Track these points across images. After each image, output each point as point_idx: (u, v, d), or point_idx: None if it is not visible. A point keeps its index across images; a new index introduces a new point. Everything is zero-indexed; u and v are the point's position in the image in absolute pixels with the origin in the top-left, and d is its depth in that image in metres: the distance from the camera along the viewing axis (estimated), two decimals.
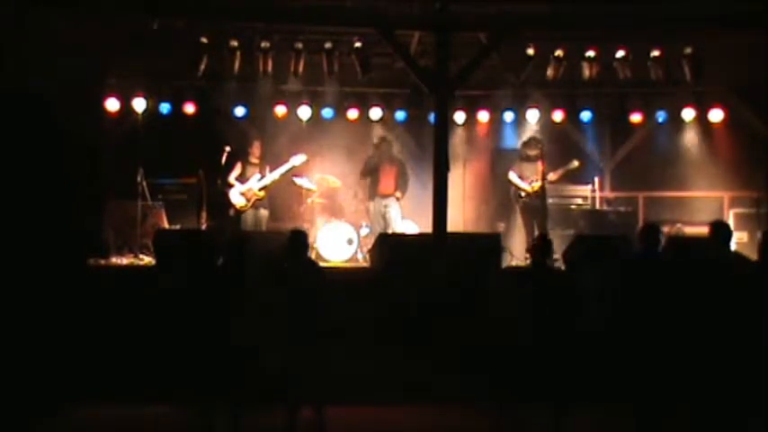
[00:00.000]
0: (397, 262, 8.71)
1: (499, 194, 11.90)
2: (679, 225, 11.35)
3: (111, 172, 11.11)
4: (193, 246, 8.71)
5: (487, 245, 8.95)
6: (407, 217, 11.19)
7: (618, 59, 10.83)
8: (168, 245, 8.89)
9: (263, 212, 10.95)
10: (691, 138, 12.40)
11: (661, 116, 12.16)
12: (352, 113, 12.16)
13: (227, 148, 10.79)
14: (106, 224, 10.61)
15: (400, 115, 12.31)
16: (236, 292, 6.80)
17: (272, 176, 10.82)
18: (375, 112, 12.12)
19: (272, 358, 6.61)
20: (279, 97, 11.86)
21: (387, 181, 11.09)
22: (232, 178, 10.85)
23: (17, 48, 8.41)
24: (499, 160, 12.24)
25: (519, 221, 10.91)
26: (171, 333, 7.53)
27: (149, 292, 8.06)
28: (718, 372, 6.03)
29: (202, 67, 10.67)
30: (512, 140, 12.49)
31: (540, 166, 10.64)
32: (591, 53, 10.79)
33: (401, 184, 11.13)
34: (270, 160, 11.03)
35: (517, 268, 9.49)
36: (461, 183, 11.50)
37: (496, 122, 12.46)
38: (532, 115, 12.18)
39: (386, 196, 11.05)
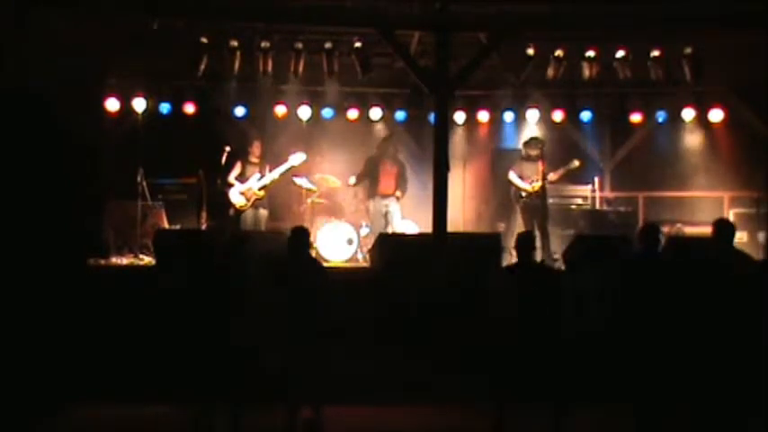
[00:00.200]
0: (397, 262, 8.70)
1: (499, 194, 11.89)
2: (679, 225, 11.35)
3: (111, 172, 11.11)
4: (193, 246, 8.71)
5: (487, 245, 8.94)
6: (407, 217, 11.18)
7: (618, 59, 10.83)
8: (168, 245, 8.88)
9: (263, 212, 10.95)
10: (691, 138, 12.41)
11: (661, 116, 12.17)
12: (352, 113, 12.17)
13: (227, 148, 10.79)
14: (106, 224, 10.61)
15: (400, 115, 12.32)
16: (236, 292, 6.80)
17: (271, 176, 10.82)
18: (375, 112, 12.12)
19: (271, 358, 6.62)
20: (279, 97, 11.88)
21: (387, 181, 11.08)
22: (232, 178, 10.84)
23: (17, 48, 8.41)
24: (499, 160, 12.24)
25: (519, 221, 10.90)
26: (171, 333, 7.52)
27: (149, 292, 8.05)
28: (718, 372, 6.03)
29: (202, 67, 10.68)
30: (512, 140, 12.50)
31: (540, 165, 10.63)
32: (591, 53, 10.80)
33: (401, 183, 11.13)
34: (270, 160, 11.02)
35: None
36: (461, 183, 11.50)
37: (496, 122, 12.47)
38: (532, 115, 12.19)
39: (386, 196, 11.04)
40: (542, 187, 10.60)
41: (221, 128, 11.72)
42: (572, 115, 12.20)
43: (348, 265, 10.39)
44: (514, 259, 10.18)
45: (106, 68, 11.30)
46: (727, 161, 12.06)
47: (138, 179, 10.71)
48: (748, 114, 11.90)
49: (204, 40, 10.48)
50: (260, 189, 10.84)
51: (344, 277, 9.20)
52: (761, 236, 11.16)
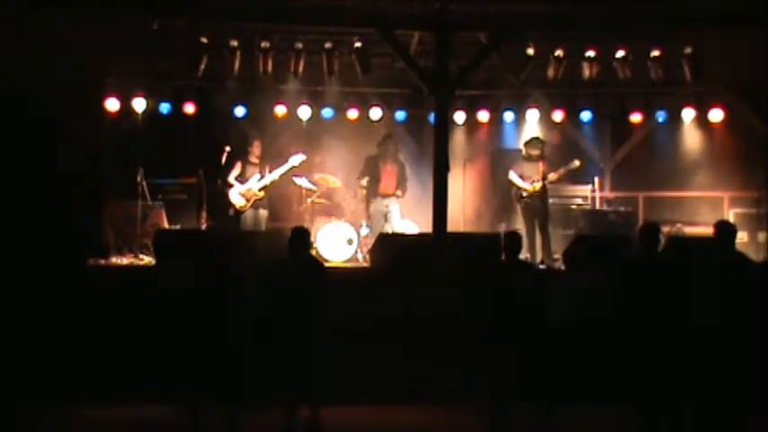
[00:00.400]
0: (397, 262, 8.71)
1: (499, 194, 11.89)
2: (679, 225, 11.35)
3: (111, 172, 11.10)
4: (193, 246, 8.71)
5: (488, 245, 8.94)
6: (407, 217, 11.18)
7: (618, 59, 10.83)
8: (168, 245, 8.88)
9: (263, 212, 10.94)
10: (691, 138, 12.40)
11: (661, 116, 12.17)
12: (352, 113, 12.17)
13: (227, 148, 10.79)
14: (106, 224, 10.60)
15: (400, 115, 12.31)
16: (236, 292, 6.81)
17: (271, 176, 10.81)
18: (375, 112, 12.12)
19: (271, 358, 6.62)
20: (279, 97, 11.87)
21: (388, 181, 11.07)
22: (232, 178, 10.84)
23: (17, 48, 8.41)
24: (499, 160, 12.23)
25: (519, 221, 10.91)
26: (171, 333, 7.53)
27: (149, 292, 8.05)
28: (718, 372, 6.03)
29: (202, 67, 10.67)
30: (512, 140, 12.50)
31: (541, 166, 10.63)
32: (591, 53, 10.79)
33: (402, 183, 11.12)
34: (270, 160, 11.03)
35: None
36: (461, 183, 11.51)
37: (496, 122, 12.46)
38: (532, 115, 12.19)
39: (387, 196, 11.04)
40: (543, 187, 10.60)
41: (221, 128, 11.72)
42: (572, 115, 12.20)
43: (348, 265, 10.38)
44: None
45: (106, 68, 11.29)
46: (727, 161, 12.05)
47: (138, 179, 10.69)
48: (748, 114, 11.89)
49: (204, 40, 10.48)
50: (260, 190, 10.83)
51: (344, 277, 9.21)
52: (761, 236, 11.17)
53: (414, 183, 11.40)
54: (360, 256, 10.64)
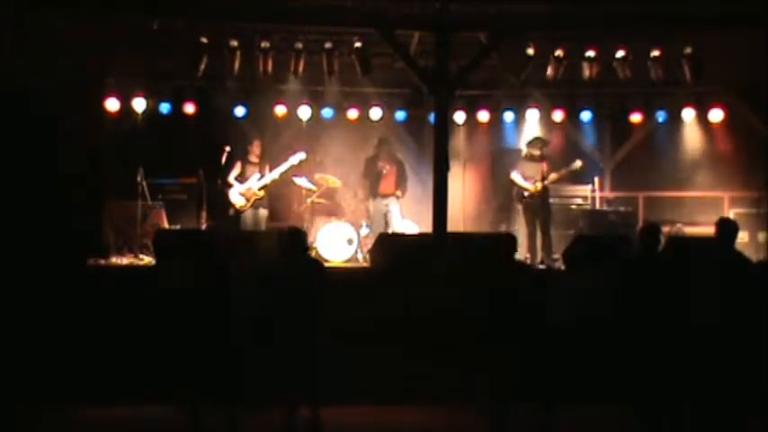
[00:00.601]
0: (397, 262, 8.71)
1: (499, 194, 11.90)
2: (679, 225, 11.35)
3: (111, 172, 11.10)
4: (193, 246, 8.71)
5: (488, 245, 8.93)
6: (407, 217, 11.19)
7: (618, 59, 10.82)
8: (168, 245, 8.88)
9: (263, 212, 10.95)
10: (691, 138, 12.40)
11: (661, 116, 12.17)
12: (352, 113, 12.16)
13: (227, 148, 10.79)
14: (106, 224, 10.60)
15: (400, 115, 12.31)
16: (236, 292, 6.80)
17: (271, 176, 10.82)
18: (375, 112, 12.11)
19: (270, 358, 6.61)
20: (279, 97, 11.87)
21: (387, 181, 11.08)
22: (232, 178, 10.84)
23: (17, 48, 8.41)
24: (499, 160, 12.24)
25: (519, 221, 10.91)
26: (171, 333, 7.52)
27: (149, 292, 8.05)
28: (718, 371, 6.03)
29: (202, 67, 10.67)
30: (512, 140, 12.50)
31: (543, 166, 10.63)
32: (591, 53, 10.79)
33: (401, 183, 11.13)
34: (270, 160, 11.03)
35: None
36: (461, 183, 11.51)
37: (496, 122, 12.46)
38: (532, 115, 12.19)
39: (386, 196, 11.05)
40: (544, 188, 10.59)
41: (221, 128, 11.72)
42: (572, 115, 12.19)
43: (348, 265, 10.39)
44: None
45: (106, 68, 11.29)
46: (727, 161, 12.05)
47: (138, 179, 10.69)
48: (748, 114, 11.89)
49: (204, 40, 10.48)
50: (260, 189, 10.84)
51: (344, 277, 9.21)
52: (761, 236, 11.17)
53: (414, 183, 11.41)
54: (360, 256, 10.64)
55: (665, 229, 10.48)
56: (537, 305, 6.59)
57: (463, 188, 11.52)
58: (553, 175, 10.63)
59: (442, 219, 8.70)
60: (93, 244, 9.80)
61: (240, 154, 10.98)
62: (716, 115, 11.98)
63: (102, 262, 9.75)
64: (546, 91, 11.97)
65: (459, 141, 12.20)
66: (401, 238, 10.07)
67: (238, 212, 10.84)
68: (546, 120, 12.22)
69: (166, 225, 10.80)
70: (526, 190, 10.62)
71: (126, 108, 11.59)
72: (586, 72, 10.94)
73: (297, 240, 6.88)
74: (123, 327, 8.03)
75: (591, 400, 7.40)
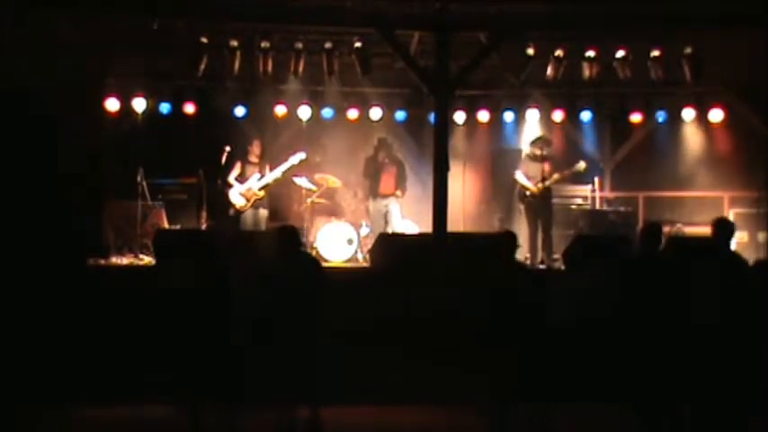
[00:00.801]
0: (397, 262, 8.70)
1: (499, 194, 11.89)
2: (679, 225, 11.35)
3: (111, 172, 11.10)
4: (193, 246, 8.71)
5: (488, 245, 8.93)
6: (407, 217, 11.19)
7: (618, 59, 10.82)
8: (168, 245, 8.88)
9: (263, 212, 10.95)
10: (691, 138, 12.40)
11: (661, 116, 12.16)
12: (352, 113, 12.16)
13: (227, 148, 10.79)
14: (106, 224, 10.60)
15: (400, 115, 12.31)
16: (235, 292, 6.81)
17: (271, 176, 10.82)
18: (375, 112, 12.11)
19: (269, 358, 6.61)
20: (279, 97, 11.87)
21: (387, 181, 11.10)
22: (232, 178, 10.84)
23: (17, 48, 8.41)
24: (499, 160, 12.24)
25: (520, 221, 10.90)
26: (171, 333, 7.53)
27: (149, 292, 8.05)
28: (718, 371, 6.03)
29: (202, 67, 10.67)
30: (512, 140, 12.50)
31: (546, 166, 10.62)
32: (591, 53, 10.79)
33: (401, 183, 11.14)
34: (270, 160, 11.03)
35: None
36: (461, 183, 11.50)
37: (496, 122, 12.45)
38: (532, 115, 12.19)
39: (386, 196, 11.06)
40: (547, 188, 10.59)
41: (221, 128, 11.72)
42: (572, 115, 12.19)
43: (348, 265, 10.39)
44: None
45: (106, 68, 11.29)
46: (727, 161, 12.06)
47: (138, 179, 10.70)
48: (748, 114, 11.89)
49: (204, 40, 10.48)
50: (260, 189, 10.84)
51: (344, 277, 9.20)
52: (761, 236, 11.17)
53: (414, 183, 11.41)
54: (360, 256, 10.64)
55: (665, 229, 10.48)
56: (537, 305, 6.59)
57: (463, 188, 11.52)
58: (556, 176, 10.63)
59: (442, 219, 8.70)
60: (93, 244, 9.80)
61: (240, 154, 10.98)
62: (716, 115, 11.98)
63: (102, 262, 9.75)
64: (546, 91, 11.97)
65: (459, 141, 12.19)
66: (401, 238, 10.07)
67: (238, 212, 10.84)
68: (546, 120, 12.22)
69: (166, 225, 10.81)
70: (529, 189, 10.61)
71: (126, 108, 11.59)
72: (586, 72, 10.94)
73: (291, 239, 6.87)
74: (123, 327, 8.03)
75: (591, 400, 7.40)
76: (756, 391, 6.04)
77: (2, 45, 8.33)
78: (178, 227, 10.91)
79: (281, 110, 11.91)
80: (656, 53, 10.74)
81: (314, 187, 11.14)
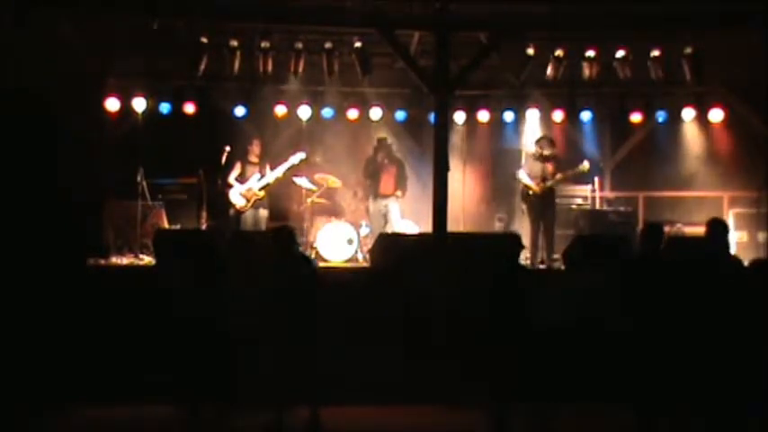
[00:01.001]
0: (397, 262, 8.70)
1: (499, 194, 11.89)
2: (679, 225, 11.35)
3: (111, 172, 11.11)
4: (193, 246, 8.71)
5: (488, 245, 8.94)
6: (407, 217, 11.19)
7: (618, 59, 10.82)
8: (168, 245, 8.88)
9: (263, 212, 10.95)
10: (691, 138, 12.40)
11: (661, 116, 12.16)
12: (352, 113, 12.16)
13: (227, 148, 10.79)
14: (106, 224, 10.61)
15: (400, 115, 12.30)
16: (234, 292, 6.81)
17: (271, 176, 10.82)
18: (375, 112, 12.11)
19: (266, 357, 6.62)
20: (279, 97, 11.86)
21: (387, 181, 11.10)
22: (232, 178, 10.84)
23: (17, 48, 8.41)
24: (499, 160, 12.25)
25: (520, 221, 10.89)
26: (171, 333, 7.53)
27: (149, 292, 8.05)
28: (718, 371, 6.03)
29: (202, 67, 10.67)
30: (512, 140, 12.50)
31: (550, 166, 10.61)
32: (591, 53, 10.79)
33: (401, 183, 11.15)
34: (270, 160, 11.03)
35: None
36: (461, 183, 11.50)
37: (496, 122, 12.45)
38: (532, 115, 12.19)
39: (386, 196, 11.07)
40: (551, 188, 10.59)
41: (221, 128, 11.72)
42: (572, 115, 12.18)
43: (348, 265, 10.39)
44: None
45: (106, 68, 11.30)
46: (727, 161, 12.07)
47: (138, 179, 10.70)
48: (748, 114, 11.89)
49: (204, 40, 10.47)
50: (260, 189, 10.84)
51: (344, 277, 9.21)
52: (761, 236, 11.17)
53: (414, 183, 11.42)
54: (360, 256, 10.64)
55: (666, 229, 10.48)
56: (537, 305, 6.59)
57: (463, 188, 11.52)
58: (559, 176, 10.63)
59: (442, 219, 8.70)
60: (93, 244, 9.80)
61: (240, 154, 10.98)
62: (716, 115, 11.98)
63: (102, 262, 9.75)
64: (546, 91, 11.97)
65: (459, 141, 12.19)
66: (401, 238, 10.06)
67: (239, 213, 10.84)
68: (546, 120, 12.21)
69: (166, 225, 10.81)
70: (532, 189, 10.60)
71: (126, 108, 11.59)
72: (586, 72, 10.94)
73: (285, 240, 6.87)
74: (123, 327, 8.03)
75: (591, 400, 7.40)
76: (756, 391, 6.04)
77: (2, 45, 8.33)
78: (178, 227, 10.91)
79: (281, 110, 11.91)
80: (656, 53, 10.74)
81: (314, 187, 11.14)
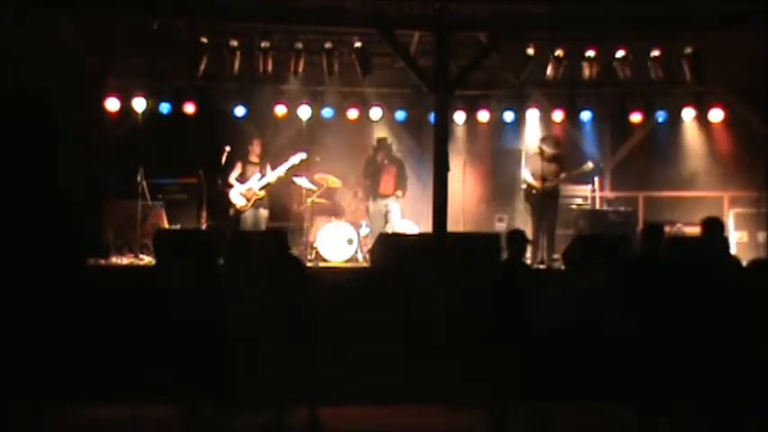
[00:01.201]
0: (397, 262, 8.71)
1: (499, 194, 11.88)
2: (679, 225, 11.34)
3: (111, 172, 11.11)
4: (193, 246, 8.72)
5: (488, 245, 8.95)
6: (407, 217, 11.19)
7: (618, 59, 10.82)
8: (168, 245, 8.89)
9: (263, 212, 10.95)
10: (691, 138, 12.40)
11: (661, 116, 12.15)
12: (352, 113, 12.16)
13: (227, 148, 10.79)
14: (106, 224, 10.61)
15: (400, 115, 12.30)
16: (235, 292, 6.82)
17: (272, 175, 10.82)
18: (375, 112, 12.11)
19: (264, 358, 6.63)
20: (279, 97, 11.86)
21: (387, 181, 11.11)
22: (232, 179, 10.85)
23: (17, 48, 8.41)
24: (499, 160, 12.24)
25: (520, 221, 10.88)
26: (171, 333, 7.54)
27: (149, 292, 8.06)
28: (718, 372, 6.03)
29: (202, 67, 10.66)
30: (512, 140, 12.50)
31: (553, 165, 10.60)
32: (591, 53, 10.78)
33: (401, 183, 11.15)
34: (270, 160, 11.04)
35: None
36: (461, 183, 11.50)
37: (496, 122, 12.44)
38: (532, 115, 12.18)
39: (386, 196, 11.07)
40: (555, 187, 10.59)
41: (221, 128, 11.72)
42: (572, 115, 12.17)
43: (348, 265, 10.38)
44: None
45: (106, 68, 11.29)
46: (727, 161, 12.07)
47: (138, 179, 10.70)
48: (748, 114, 11.89)
49: (204, 40, 10.47)
50: (261, 189, 10.84)
51: (344, 277, 9.21)
52: (761, 236, 11.17)
53: (414, 183, 11.42)
54: (360, 256, 10.64)
55: (666, 229, 10.47)
56: (537, 305, 6.59)
57: (463, 188, 11.50)
58: (563, 175, 10.62)
59: (442, 219, 8.70)
60: (93, 244, 9.80)
61: (241, 154, 10.98)
62: (716, 115, 11.98)
63: (102, 262, 9.75)
64: (546, 91, 11.97)
65: (459, 141, 12.19)
66: (401, 238, 10.06)
67: (239, 212, 10.85)
68: (546, 120, 12.21)
69: (166, 225, 10.81)
70: (535, 188, 10.59)
71: (126, 108, 11.58)
72: (586, 72, 10.93)
73: (278, 241, 6.88)
74: (123, 327, 8.03)
75: (591, 400, 7.41)
76: (756, 391, 6.04)
77: (2, 45, 8.33)
78: (178, 227, 10.91)
79: (281, 110, 11.90)
80: (656, 53, 10.73)
81: (314, 187, 11.14)
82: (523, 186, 10.85)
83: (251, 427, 6.81)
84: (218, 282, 7.09)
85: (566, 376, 6.93)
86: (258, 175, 10.85)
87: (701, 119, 12.13)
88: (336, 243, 10.54)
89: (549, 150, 10.71)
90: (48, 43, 8.83)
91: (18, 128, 8.47)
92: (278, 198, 11.41)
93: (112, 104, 11.49)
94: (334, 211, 11.13)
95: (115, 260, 10.04)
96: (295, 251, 10.23)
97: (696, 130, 12.34)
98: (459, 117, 12.19)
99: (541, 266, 10.10)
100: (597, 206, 12.09)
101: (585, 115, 12.19)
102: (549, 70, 10.94)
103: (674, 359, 6.13)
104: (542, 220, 10.52)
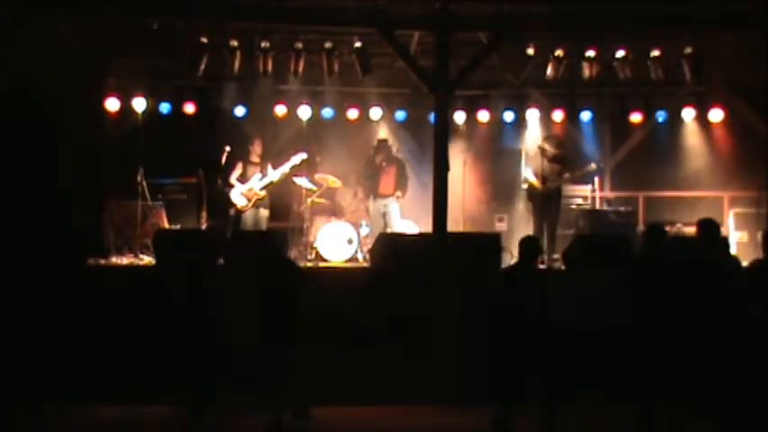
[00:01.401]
0: (397, 262, 8.71)
1: (499, 194, 11.88)
2: (679, 225, 11.34)
3: (111, 172, 11.11)
4: (193, 246, 8.71)
5: (488, 245, 8.95)
6: (407, 217, 11.19)
7: (618, 59, 10.82)
8: (168, 245, 8.89)
9: (264, 212, 10.94)
10: (691, 138, 12.39)
11: (661, 116, 12.15)
12: (352, 113, 12.16)
13: (228, 148, 10.79)
14: (106, 224, 10.61)
15: (400, 115, 12.31)
16: (234, 292, 6.82)
17: (273, 175, 10.82)
18: (375, 112, 12.12)
19: (261, 358, 6.64)
20: (279, 97, 11.86)
21: (387, 181, 11.11)
22: (233, 179, 10.84)
23: (17, 48, 8.41)
24: (499, 160, 12.23)
25: (519, 221, 10.87)
26: (171, 333, 7.54)
27: (149, 292, 8.06)
28: (720, 372, 6.03)
29: (202, 67, 10.67)
30: (512, 140, 12.50)
31: (556, 165, 10.59)
32: (591, 53, 10.78)
33: (401, 183, 11.16)
34: (270, 160, 11.04)
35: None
36: (461, 183, 11.50)
37: (496, 122, 12.44)
38: (532, 115, 12.18)
39: (386, 196, 11.07)
40: (558, 188, 10.58)
41: (221, 128, 11.72)
42: (572, 115, 12.17)
43: (348, 265, 10.38)
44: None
45: (106, 68, 11.29)
46: (727, 161, 12.06)
47: (138, 179, 10.69)
48: (748, 114, 11.89)
49: (204, 40, 10.47)
50: (261, 189, 10.84)
51: (344, 277, 9.21)
52: (761, 236, 11.14)
53: (414, 183, 11.42)
54: (360, 256, 10.64)
55: (666, 229, 10.47)
56: (537, 305, 6.59)
57: (463, 188, 11.50)
58: (567, 175, 10.63)
59: (442, 219, 8.70)
60: (93, 244, 9.80)
61: (241, 154, 10.98)
62: (716, 115, 11.98)
63: (102, 262, 9.75)
64: (546, 91, 11.98)
65: (459, 141, 12.19)
66: (401, 238, 10.05)
67: (239, 212, 10.84)
68: (546, 120, 12.21)
69: (166, 225, 10.81)
70: (537, 188, 10.58)
71: (126, 108, 11.59)
72: (586, 72, 10.93)
73: (275, 243, 6.90)
74: (123, 327, 8.04)
75: (592, 400, 7.40)
76: (756, 390, 6.05)
77: (2, 45, 8.33)
78: (178, 227, 10.91)
79: (281, 110, 11.91)
80: (656, 53, 10.73)
81: (314, 187, 11.13)
82: (525, 186, 10.84)
83: (251, 427, 6.82)
84: (218, 282, 7.08)
85: (566, 376, 6.93)
86: (259, 175, 10.85)
87: (701, 119, 12.13)
88: (336, 243, 10.53)
89: (551, 150, 10.69)
90: (48, 43, 8.83)
91: (18, 128, 8.47)
92: (278, 198, 11.40)
93: (112, 104, 11.50)
94: (334, 211, 11.13)
95: (115, 260, 10.04)
96: (295, 251, 10.33)
97: (696, 130, 12.34)
98: (460, 117, 12.19)
99: (541, 266, 10.08)
100: (597, 206, 12.08)
101: (585, 115, 12.18)
102: (549, 70, 10.94)
103: (675, 359, 6.13)
104: (544, 221, 10.51)
